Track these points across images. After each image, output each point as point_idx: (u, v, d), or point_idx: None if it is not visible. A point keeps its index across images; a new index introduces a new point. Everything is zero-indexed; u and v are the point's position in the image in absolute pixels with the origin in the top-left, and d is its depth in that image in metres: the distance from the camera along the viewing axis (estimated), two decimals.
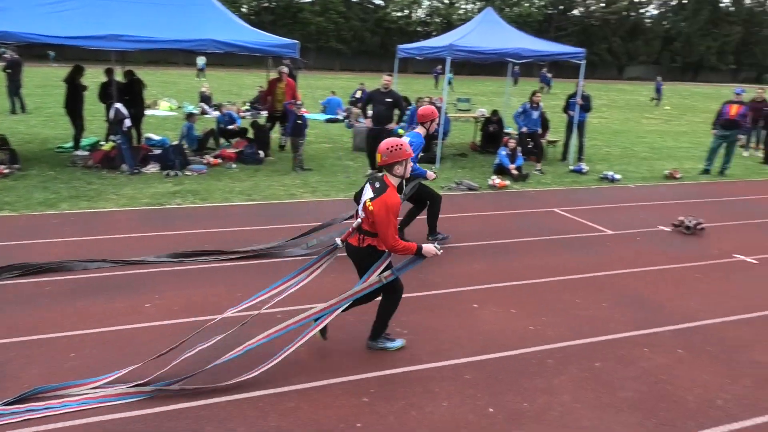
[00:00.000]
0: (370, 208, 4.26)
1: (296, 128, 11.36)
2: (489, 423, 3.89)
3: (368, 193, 4.37)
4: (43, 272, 5.91)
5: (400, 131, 12.64)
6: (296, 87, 13.19)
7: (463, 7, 65.90)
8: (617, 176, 11.96)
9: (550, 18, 66.10)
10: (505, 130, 14.97)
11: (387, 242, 4.28)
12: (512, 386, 4.32)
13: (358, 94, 19.93)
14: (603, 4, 66.33)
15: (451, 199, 9.90)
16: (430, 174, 6.80)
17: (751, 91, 16.93)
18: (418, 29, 61.91)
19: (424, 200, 7.22)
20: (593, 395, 4.25)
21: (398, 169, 4.36)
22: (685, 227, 8.43)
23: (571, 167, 12.74)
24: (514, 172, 11.47)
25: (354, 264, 4.57)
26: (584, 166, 12.62)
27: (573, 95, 13.40)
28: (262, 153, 12.08)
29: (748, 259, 7.36)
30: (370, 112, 11.02)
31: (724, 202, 10.53)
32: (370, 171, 10.96)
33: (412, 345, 4.83)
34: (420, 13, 65.80)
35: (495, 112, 15.04)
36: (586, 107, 13.37)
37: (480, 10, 50.73)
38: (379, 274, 4.41)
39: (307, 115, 12.34)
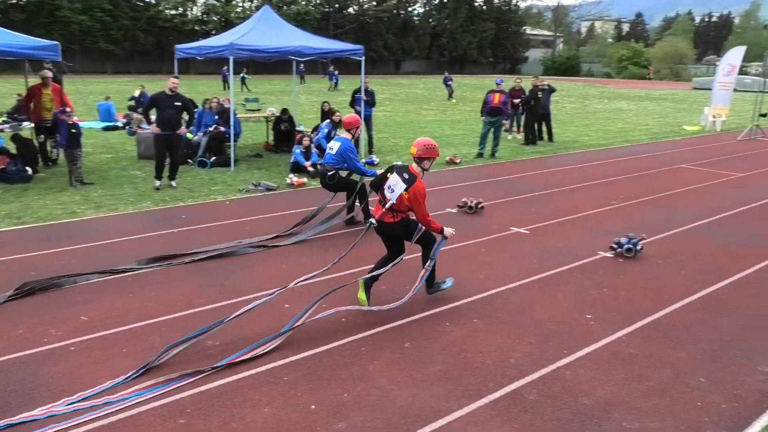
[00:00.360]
0: (406, 195, 5.38)
1: (71, 139, 10.28)
2: (313, 420, 3.93)
3: (399, 183, 5.40)
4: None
5: (189, 135, 12.10)
6: (64, 93, 11.89)
7: (240, 4, 64.81)
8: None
9: (327, 16, 67.90)
10: (297, 128, 15.11)
11: (422, 220, 5.49)
12: (331, 379, 4.41)
13: (137, 93, 18.71)
14: (375, 3, 69.90)
15: (251, 201, 9.76)
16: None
17: (509, 81, 19.05)
18: (196, 28, 59.48)
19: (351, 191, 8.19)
20: (406, 374, 4.51)
21: (426, 164, 5.51)
22: (468, 207, 9.28)
23: (364, 160, 13.28)
24: (310, 169, 11.63)
25: (384, 236, 5.73)
26: (375, 158, 13.24)
27: (357, 90, 13.95)
28: (29, 169, 10.75)
29: (522, 231, 8.34)
30: (153, 117, 10.36)
31: (497, 182, 11.78)
32: (158, 183, 10.31)
33: (225, 355, 4.68)
34: (196, 11, 63.29)
35: (285, 111, 15.09)
36: (370, 102, 14.03)
37: (258, 8, 50.31)
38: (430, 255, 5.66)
39: (81, 123, 11.22)
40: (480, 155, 14.45)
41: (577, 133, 19.57)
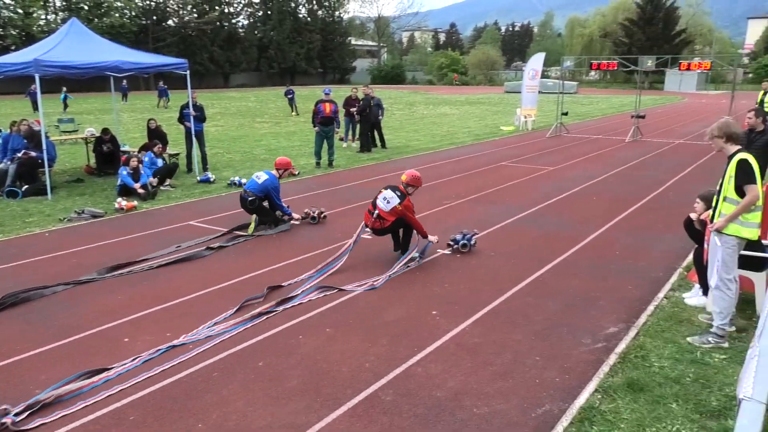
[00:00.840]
0: (400, 208, 7.07)
1: None
2: None
3: (394, 197, 7.12)
4: None
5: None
6: None
7: (43, 17, 59.18)
8: (243, 180, 12.41)
9: (146, 29, 64.36)
10: (122, 149, 14.15)
11: (416, 226, 7.23)
12: (183, 411, 4.18)
13: None
14: (196, 15, 67.55)
15: (75, 230, 8.94)
16: (295, 217, 9.16)
17: (340, 91, 19.39)
18: None
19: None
20: (263, 393, 4.40)
21: (411, 189, 7.32)
22: (311, 218, 9.30)
23: (199, 178, 12.78)
24: (141, 191, 10.94)
25: (380, 235, 7.47)
26: (211, 175, 12.79)
27: (185, 106, 13.40)
28: None
29: (365, 236, 8.51)
30: None
31: (337, 190, 11.95)
32: None
33: (62, 402, 4.24)
34: None
35: (106, 131, 14.02)
36: (200, 117, 13.54)
37: (64, 21, 46.34)
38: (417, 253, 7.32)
39: None
40: (318, 165, 14.56)
41: (408, 139, 20.47)
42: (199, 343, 5.19)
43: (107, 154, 13.66)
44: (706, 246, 5.36)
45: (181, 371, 4.72)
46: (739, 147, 5.06)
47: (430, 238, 7.43)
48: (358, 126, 17.84)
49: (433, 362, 4.86)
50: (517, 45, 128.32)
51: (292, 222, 9.15)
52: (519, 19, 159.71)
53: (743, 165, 4.89)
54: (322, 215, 9.40)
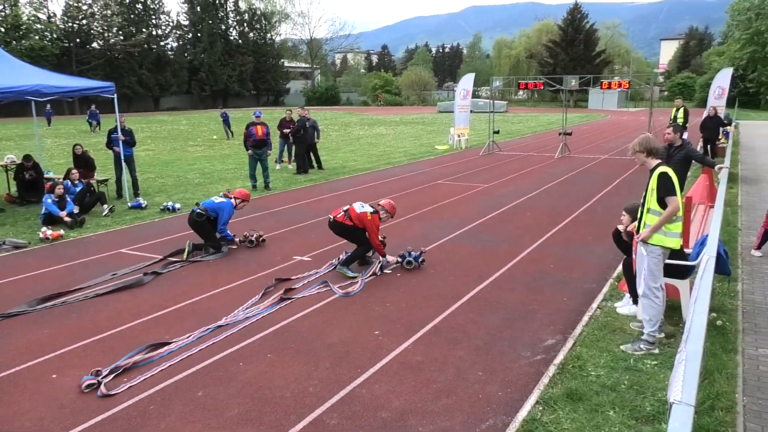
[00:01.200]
0: (369, 217, 7.56)
1: None
2: None
3: (368, 206, 7.72)
4: None
5: None
6: None
7: None
8: (177, 205, 12.15)
9: (69, 52, 62.14)
10: (46, 175, 13.54)
11: (374, 242, 7.69)
12: None
13: None
14: (122, 37, 65.75)
15: None
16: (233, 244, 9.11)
17: (274, 113, 19.24)
18: None
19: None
20: (203, 425, 4.26)
21: (384, 214, 7.85)
22: (248, 241, 9.14)
23: (130, 204, 12.37)
24: (67, 219, 10.48)
25: (337, 232, 7.84)
26: (142, 201, 12.40)
27: (113, 130, 12.99)
28: None
29: (305, 258, 8.45)
30: None
31: (275, 212, 11.81)
32: None
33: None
34: None
35: (28, 157, 13.38)
36: (130, 141, 13.14)
37: None
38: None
39: None
40: (254, 188, 14.36)
41: (345, 159, 20.52)
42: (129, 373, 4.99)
43: (30, 181, 13.03)
44: (634, 256, 5.61)
45: (115, 406, 4.51)
46: (659, 161, 5.35)
47: (388, 258, 7.82)
48: (293, 147, 17.75)
49: (376, 383, 4.84)
50: (447, 66, 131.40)
51: (229, 246, 8.96)
52: (448, 40, 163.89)
53: (663, 178, 5.16)
54: (261, 239, 9.26)
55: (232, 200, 9.11)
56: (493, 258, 8.36)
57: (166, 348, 5.48)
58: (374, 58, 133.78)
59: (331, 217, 7.84)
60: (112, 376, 4.97)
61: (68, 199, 10.89)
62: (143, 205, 12.22)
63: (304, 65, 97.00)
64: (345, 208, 7.79)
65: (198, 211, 8.76)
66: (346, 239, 7.97)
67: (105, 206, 11.59)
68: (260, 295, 6.87)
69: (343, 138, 29.85)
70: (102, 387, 4.76)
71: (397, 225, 10.47)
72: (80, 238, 9.92)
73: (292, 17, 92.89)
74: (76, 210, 11.00)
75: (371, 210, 7.70)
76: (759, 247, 8.32)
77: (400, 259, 7.89)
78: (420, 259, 7.92)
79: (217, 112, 34.55)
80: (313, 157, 17.79)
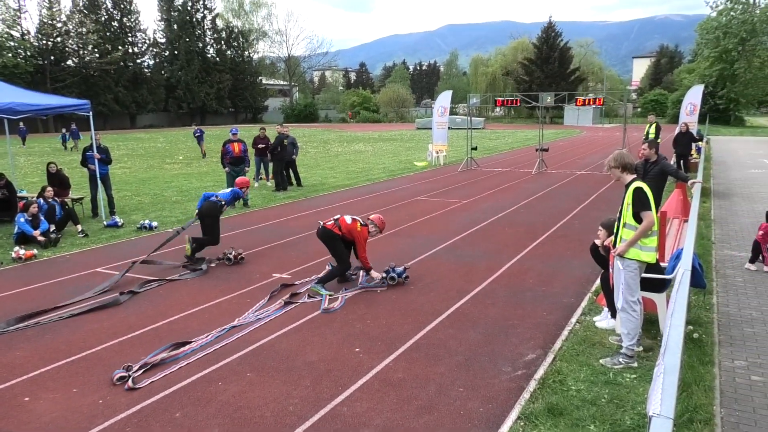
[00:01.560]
0: (359, 229, 7.71)
1: None
2: None
3: (358, 219, 7.85)
4: None
5: None
6: None
7: None
8: (154, 223, 12.01)
9: (43, 69, 61.52)
10: (19, 194, 13.32)
11: (361, 255, 7.76)
12: None
13: None
14: (98, 55, 65.27)
15: None
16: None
17: (252, 130, 19.17)
18: None
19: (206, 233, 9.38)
20: None
21: (372, 229, 8.06)
22: (226, 259, 9.06)
23: (106, 222, 12.20)
24: (41, 238, 10.30)
25: (322, 240, 7.81)
26: (119, 219, 12.24)
27: (88, 148, 12.85)
28: None
29: (284, 276, 8.40)
30: None
31: (254, 230, 11.73)
32: None
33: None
34: None
35: (1, 176, 13.15)
36: (105, 159, 13.01)
37: None
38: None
39: None
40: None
41: (324, 176, 20.51)
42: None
43: (2, 200, 12.79)
44: (611, 270, 5.67)
45: (91, 428, 4.41)
46: (634, 176, 5.44)
47: (373, 274, 7.86)
48: (271, 165, 17.71)
49: (358, 400, 4.80)
50: (425, 83, 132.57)
51: (209, 264, 8.90)
52: (426, 58, 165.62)
53: (638, 193, 5.24)
54: (240, 257, 9.19)
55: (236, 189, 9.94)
56: (472, 273, 8.39)
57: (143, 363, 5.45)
58: (352, 76, 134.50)
59: (321, 223, 7.91)
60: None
61: (42, 218, 10.71)
62: (119, 224, 12.06)
63: (282, 83, 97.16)
64: (336, 217, 7.91)
65: (220, 204, 9.43)
66: (329, 249, 7.89)
67: (79, 226, 11.39)
68: (267, 299, 7.29)
69: (322, 155, 29.87)
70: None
71: (376, 241, 10.46)
72: (54, 258, 9.74)
73: (270, 35, 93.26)
74: (52, 228, 10.81)
75: (361, 223, 7.86)
76: (753, 261, 8.44)
77: (384, 275, 7.89)
78: (404, 275, 7.92)
79: (191, 129, 33.95)
80: (292, 174, 17.76)
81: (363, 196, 16.00)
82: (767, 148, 30.62)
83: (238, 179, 10.27)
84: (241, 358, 5.64)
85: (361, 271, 8.22)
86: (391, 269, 7.92)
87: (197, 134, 30.86)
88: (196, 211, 9.53)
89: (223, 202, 9.51)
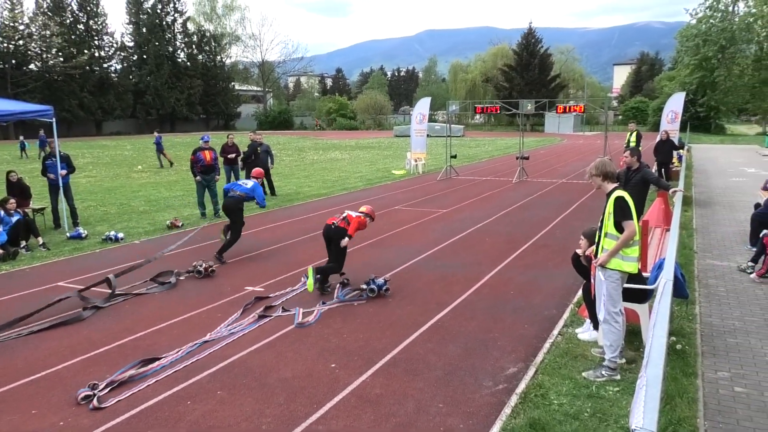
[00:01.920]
0: (362, 218, 8.40)
1: None
2: None
3: (355, 212, 8.50)
4: None
5: None
6: None
7: None
8: (120, 235, 11.84)
9: (3, 74, 60.53)
10: None
11: (350, 233, 8.25)
12: None
13: None
14: (62, 59, 64.41)
15: None
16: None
17: (223, 137, 18.97)
18: None
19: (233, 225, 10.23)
20: None
21: (368, 221, 8.57)
22: (196, 272, 8.96)
23: (69, 234, 11.98)
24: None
25: (328, 239, 8.34)
26: (82, 231, 12.04)
27: (48, 156, 12.65)
28: None
29: (257, 288, 8.32)
30: None
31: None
32: None
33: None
34: None
35: None
36: (67, 168, 12.79)
37: None
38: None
39: None
40: (203, 215, 14.14)
41: (299, 185, 20.44)
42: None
43: None
44: (593, 281, 5.72)
45: None
46: (615, 185, 5.50)
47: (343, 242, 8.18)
48: (243, 174, 17.56)
49: (334, 418, 4.76)
50: (403, 89, 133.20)
51: (178, 278, 8.80)
52: (404, 64, 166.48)
53: (620, 202, 5.31)
54: (210, 269, 9.08)
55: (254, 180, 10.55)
56: (452, 285, 8.40)
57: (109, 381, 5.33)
58: (328, 82, 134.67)
59: (334, 223, 8.32)
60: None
61: (0, 230, 10.48)
62: (83, 235, 11.86)
63: (255, 88, 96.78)
64: (342, 216, 8.45)
65: (237, 197, 10.14)
66: (332, 248, 8.36)
67: (40, 239, 11.15)
68: (240, 312, 7.26)
69: (297, 163, 29.79)
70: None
71: (353, 252, 10.43)
72: (12, 271, 9.54)
73: (243, 39, 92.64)
74: (23, 243, 10.62)
75: (360, 213, 8.53)
76: (755, 261, 8.64)
77: (364, 286, 7.86)
78: (384, 288, 7.90)
79: (152, 138, 32.28)
80: (266, 183, 17.65)
81: (339, 205, 15.94)
82: (748, 156, 31.32)
83: (255, 170, 11.03)
84: (211, 376, 5.56)
85: (339, 285, 8.21)
86: (372, 281, 7.91)
87: (156, 141, 29.66)
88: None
89: (243, 196, 10.19)
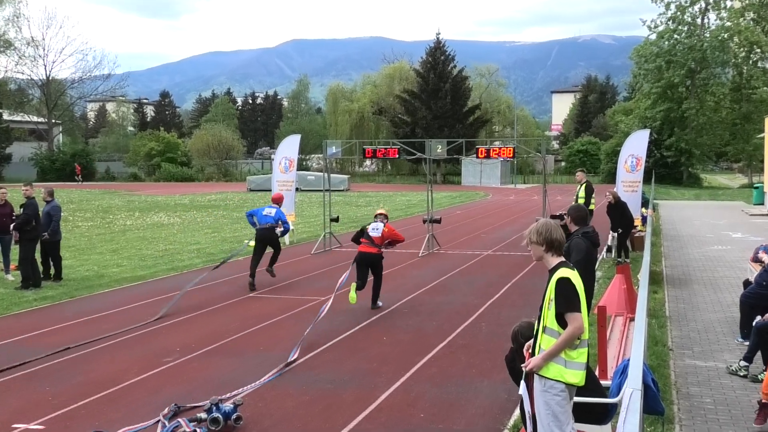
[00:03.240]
0: (386, 230, 14.16)
1: None
2: None
3: (379, 225, 14.15)
4: None
5: None
6: None
7: None
8: None
9: None
10: None
11: (399, 239, 15.00)
12: None
13: None
14: None
15: None
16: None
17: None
18: None
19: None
20: None
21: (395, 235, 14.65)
22: None
23: None
24: None
25: (363, 263, 13.81)
26: None
27: None
28: None
29: (31, 427, 7.84)
30: None
31: None
32: None
33: None
34: None
35: None
36: None
37: None
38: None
39: None
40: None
41: (102, 264, 19.80)
42: None
43: None
44: (526, 392, 5.73)
45: None
46: (561, 259, 5.61)
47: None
48: (16, 247, 16.81)
49: None
50: (261, 123, 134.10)
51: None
52: (261, 87, 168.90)
53: (564, 287, 5.39)
54: None
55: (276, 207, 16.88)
56: (334, 409, 8.32)
57: None
58: (149, 111, 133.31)
59: (369, 252, 13.81)
60: None
61: None
62: None
63: (36, 119, 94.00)
64: (371, 239, 13.79)
65: (268, 228, 16.20)
66: (371, 272, 13.83)
67: None
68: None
69: (100, 231, 28.96)
70: None
71: (182, 366, 10.17)
72: None
73: (17, 46, 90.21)
74: None
75: (382, 224, 13.94)
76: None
77: (203, 416, 7.59)
78: (234, 416, 7.68)
79: None
80: (51, 262, 16.94)
81: (164, 294, 15.51)
82: (731, 216, 33.56)
83: (275, 194, 16.71)
84: None
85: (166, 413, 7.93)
86: (215, 406, 7.65)
87: None
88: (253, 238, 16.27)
89: (273, 225, 16.23)
